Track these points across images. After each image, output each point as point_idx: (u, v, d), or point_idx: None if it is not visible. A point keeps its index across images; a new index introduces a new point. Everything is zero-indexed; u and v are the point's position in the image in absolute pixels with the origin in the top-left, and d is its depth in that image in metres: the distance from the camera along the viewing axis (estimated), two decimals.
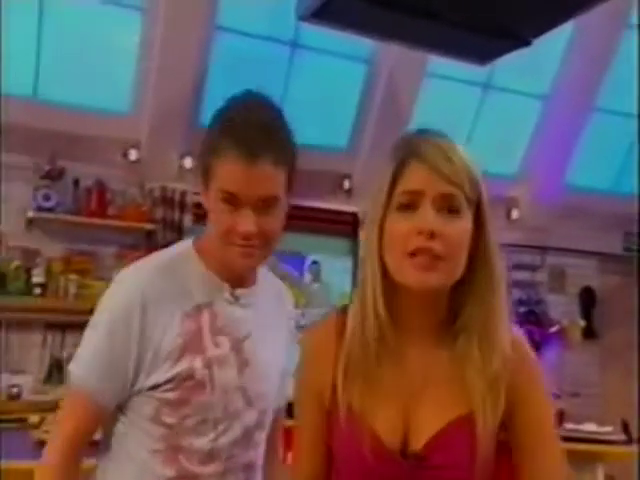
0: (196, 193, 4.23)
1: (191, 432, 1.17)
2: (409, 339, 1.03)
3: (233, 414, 1.19)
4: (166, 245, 1.28)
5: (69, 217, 3.92)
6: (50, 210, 3.87)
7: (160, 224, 4.16)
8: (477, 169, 1.01)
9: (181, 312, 1.18)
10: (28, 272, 3.82)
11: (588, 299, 5.39)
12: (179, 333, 1.16)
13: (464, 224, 0.98)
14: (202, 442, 1.17)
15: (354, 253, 4.62)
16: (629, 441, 3.75)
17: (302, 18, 3.30)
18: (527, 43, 3.56)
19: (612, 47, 4.91)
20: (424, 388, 1.01)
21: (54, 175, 3.88)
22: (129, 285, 1.19)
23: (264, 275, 1.32)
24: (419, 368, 1.02)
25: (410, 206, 0.97)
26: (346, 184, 4.66)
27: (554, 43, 4.60)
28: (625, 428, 3.80)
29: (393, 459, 0.96)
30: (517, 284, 4.94)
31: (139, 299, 1.15)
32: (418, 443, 0.97)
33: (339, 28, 3.42)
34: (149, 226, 4.13)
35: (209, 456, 1.18)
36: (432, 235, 0.95)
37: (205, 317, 1.19)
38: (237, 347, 1.21)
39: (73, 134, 3.96)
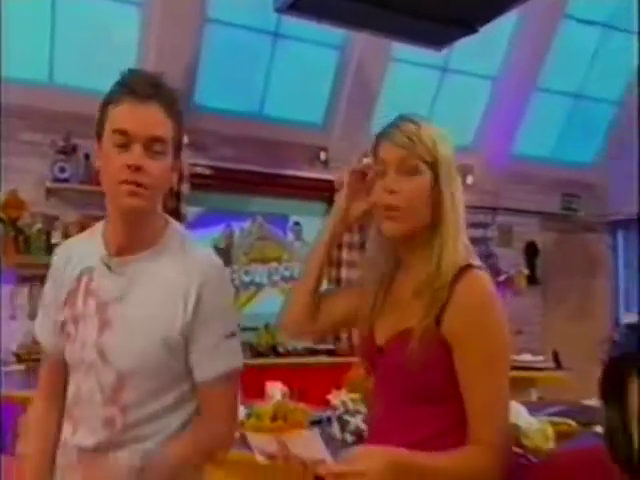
0: (192, 165, 4.49)
1: (70, 373, 1.30)
2: (401, 264, 1.26)
3: (88, 366, 1.24)
4: (166, 210, 1.34)
5: (82, 187, 4.07)
6: (65, 181, 4.07)
7: None
8: (435, 138, 1.18)
9: (77, 272, 1.30)
10: (48, 235, 4.00)
11: (531, 252, 5.59)
12: (69, 289, 1.29)
13: (424, 182, 1.17)
14: (72, 385, 1.28)
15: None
16: (558, 368, 4.05)
17: (279, 10, 3.45)
18: (474, 31, 3.74)
19: (552, 34, 5.11)
20: (395, 301, 1.23)
21: (68, 151, 4.08)
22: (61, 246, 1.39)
23: (174, 250, 1.27)
24: (399, 285, 1.23)
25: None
26: (322, 156, 4.88)
27: (503, 29, 4.76)
28: (555, 357, 4.08)
29: (373, 350, 1.23)
30: (471, 241, 5.17)
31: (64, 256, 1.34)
32: (381, 342, 1.22)
33: (311, 19, 3.55)
34: None
35: (75, 399, 1.27)
36: (392, 192, 1.18)
37: (84, 280, 1.28)
38: (101, 309, 1.24)
39: (84, 115, 4.15)
